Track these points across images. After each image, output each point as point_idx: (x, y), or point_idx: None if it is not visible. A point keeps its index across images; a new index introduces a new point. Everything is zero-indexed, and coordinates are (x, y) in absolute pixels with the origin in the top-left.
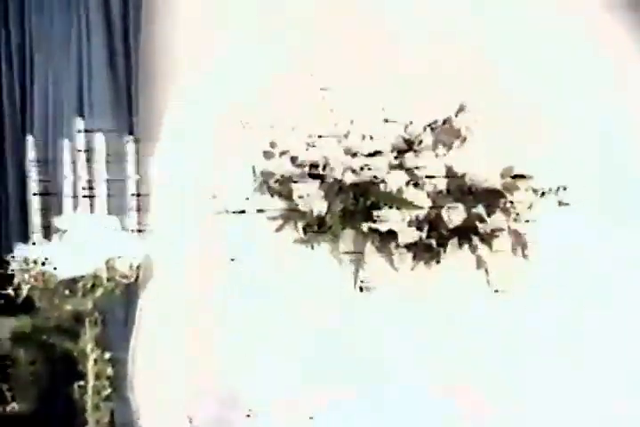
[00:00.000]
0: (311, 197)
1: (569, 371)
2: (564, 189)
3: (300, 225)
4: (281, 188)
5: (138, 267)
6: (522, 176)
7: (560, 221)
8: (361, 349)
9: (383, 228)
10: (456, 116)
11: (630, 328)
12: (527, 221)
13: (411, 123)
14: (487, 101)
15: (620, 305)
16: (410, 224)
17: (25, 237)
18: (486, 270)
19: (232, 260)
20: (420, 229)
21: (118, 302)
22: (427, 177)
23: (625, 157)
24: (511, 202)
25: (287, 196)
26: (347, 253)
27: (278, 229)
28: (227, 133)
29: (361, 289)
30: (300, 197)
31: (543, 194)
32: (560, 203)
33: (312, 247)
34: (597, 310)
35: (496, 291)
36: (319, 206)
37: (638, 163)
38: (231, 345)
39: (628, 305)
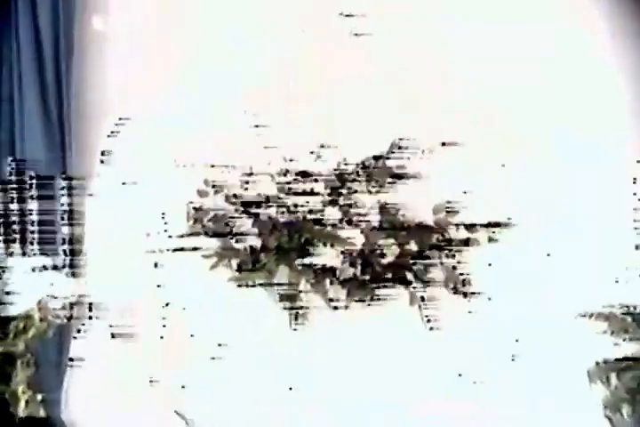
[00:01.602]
0: (246, 235)
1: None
2: (496, 225)
3: (235, 263)
4: (215, 226)
5: (71, 307)
6: (454, 212)
7: (491, 256)
8: (296, 384)
9: (318, 265)
10: (388, 153)
11: (562, 362)
12: (458, 256)
13: (344, 160)
14: (420, 140)
15: (551, 337)
16: (344, 261)
17: None
18: (419, 306)
19: (167, 304)
20: (353, 265)
21: (51, 342)
22: (360, 214)
23: (556, 195)
24: (443, 238)
25: (221, 233)
26: (281, 290)
27: (213, 267)
28: (160, 171)
29: (296, 325)
30: (235, 234)
31: (474, 230)
32: (490, 239)
33: (247, 285)
34: (530, 345)
35: (430, 328)
36: (253, 244)
37: (568, 198)
38: (169, 380)
39: (559, 337)
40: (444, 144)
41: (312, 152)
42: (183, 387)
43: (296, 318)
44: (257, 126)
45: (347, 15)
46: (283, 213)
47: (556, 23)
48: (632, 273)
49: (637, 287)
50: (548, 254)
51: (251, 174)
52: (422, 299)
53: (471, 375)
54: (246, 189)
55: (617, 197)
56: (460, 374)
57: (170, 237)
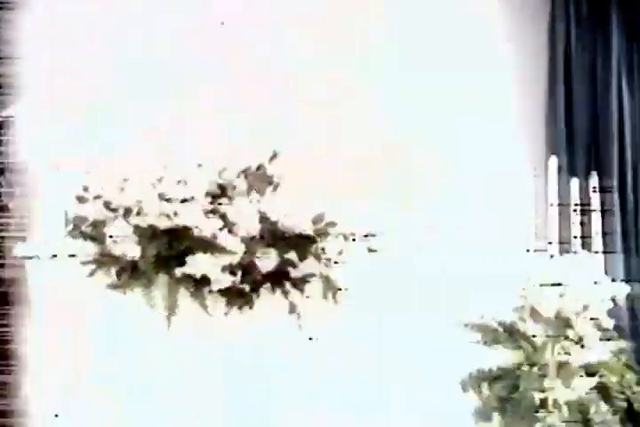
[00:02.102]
0: (125, 242)
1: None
2: (373, 235)
3: (114, 270)
4: (94, 232)
5: None
6: (332, 223)
7: (370, 267)
8: (171, 394)
9: (197, 273)
10: (269, 162)
11: (432, 374)
12: (337, 266)
13: (224, 169)
14: (300, 149)
15: (427, 347)
16: (223, 270)
17: None
18: (298, 315)
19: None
20: (233, 274)
21: None
22: (240, 223)
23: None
24: (322, 248)
25: (100, 240)
26: (160, 297)
27: (91, 274)
28: (38, 177)
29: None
30: (114, 241)
31: (354, 240)
32: (370, 249)
33: (125, 292)
34: (405, 354)
35: (310, 338)
36: (133, 251)
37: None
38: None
39: (435, 347)
40: (324, 155)
41: (193, 159)
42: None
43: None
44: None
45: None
46: (162, 220)
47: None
48: (503, 285)
49: (508, 299)
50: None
51: (130, 181)
52: (300, 308)
53: (346, 384)
54: (126, 196)
55: (488, 211)
56: (335, 383)
57: (47, 243)
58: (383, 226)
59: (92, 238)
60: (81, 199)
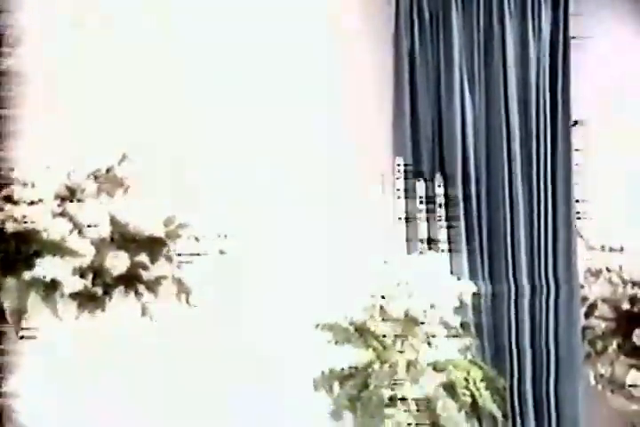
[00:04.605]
0: None
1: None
2: (225, 236)
3: None
4: None
5: None
6: (184, 225)
7: (220, 268)
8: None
9: (47, 277)
10: (119, 164)
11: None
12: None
13: (73, 171)
14: (153, 150)
15: (281, 347)
16: (74, 273)
17: None
18: (151, 318)
19: None
20: (84, 277)
21: None
22: (90, 225)
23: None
24: (174, 250)
25: None
26: (8, 302)
27: None
28: None
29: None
30: None
31: (204, 242)
32: (221, 251)
33: None
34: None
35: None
36: None
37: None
38: None
39: (289, 347)
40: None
41: (40, 161)
42: None
43: (24, 330)
44: None
45: None
46: (6, 222)
47: None
48: (353, 285)
49: (358, 298)
50: (275, 266)
51: None
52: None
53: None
54: None
55: (342, 211)
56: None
57: None
58: (234, 228)
59: None
60: None
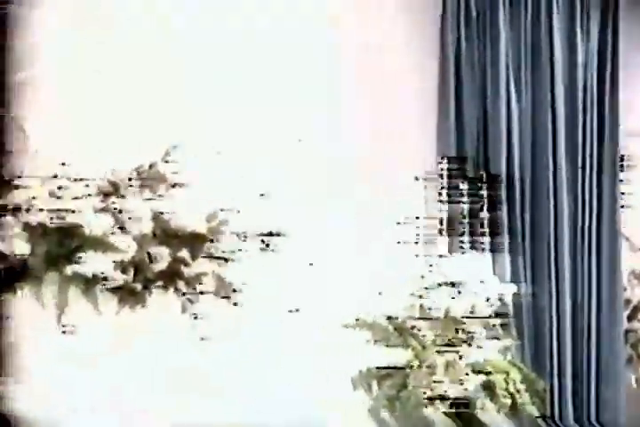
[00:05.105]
0: (14, 240)
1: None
2: (267, 234)
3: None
4: None
5: None
6: (225, 221)
7: (263, 264)
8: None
9: (88, 271)
10: (162, 161)
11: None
12: (229, 264)
13: (117, 166)
14: (194, 148)
15: (318, 346)
16: (115, 268)
17: None
18: (191, 315)
19: None
20: (125, 272)
21: None
22: (132, 221)
23: (324, 205)
24: (215, 246)
25: None
26: (51, 296)
27: None
28: None
29: (64, 332)
30: (3, 239)
31: (246, 239)
32: (261, 248)
33: (14, 291)
34: (296, 353)
35: (202, 339)
36: (22, 249)
37: (336, 209)
38: None
39: (326, 346)
40: (218, 153)
41: (86, 157)
42: None
43: (63, 325)
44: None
45: None
46: (52, 218)
47: None
48: (393, 284)
49: (398, 298)
50: (311, 264)
51: (20, 178)
52: (193, 306)
53: (244, 383)
54: (16, 193)
55: (385, 212)
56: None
57: None
58: (277, 225)
59: None
60: None
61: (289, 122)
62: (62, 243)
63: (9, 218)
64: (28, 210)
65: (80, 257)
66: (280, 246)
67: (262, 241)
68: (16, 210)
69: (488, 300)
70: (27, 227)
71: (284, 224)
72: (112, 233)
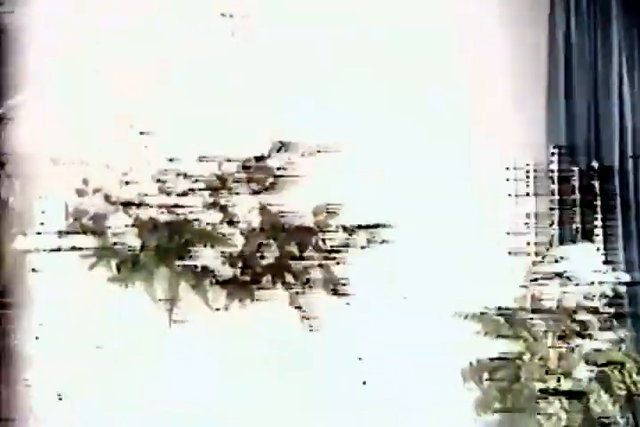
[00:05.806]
0: (125, 235)
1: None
2: (375, 226)
3: (114, 263)
4: (94, 225)
5: None
6: (333, 214)
7: (370, 258)
8: (174, 384)
9: (197, 265)
10: (269, 154)
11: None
12: (337, 257)
13: (228, 161)
14: (301, 142)
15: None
16: (223, 262)
17: None
18: (299, 307)
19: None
20: (233, 266)
21: None
22: (240, 215)
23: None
24: (323, 239)
25: (100, 233)
26: (161, 290)
27: (92, 267)
28: (38, 170)
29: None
30: (114, 234)
31: (353, 232)
32: (369, 240)
33: (126, 286)
34: (405, 345)
35: (310, 329)
36: (133, 244)
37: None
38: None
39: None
40: (324, 147)
41: (194, 152)
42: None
43: (174, 319)
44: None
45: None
46: (162, 213)
47: None
48: (504, 275)
49: (509, 289)
50: (423, 256)
51: (131, 174)
52: (301, 300)
53: (353, 376)
54: (126, 189)
55: (492, 202)
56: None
57: (48, 237)
58: (385, 217)
59: (93, 232)
60: (81, 192)
61: (396, 116)
62: (172, 237)
63: (120, 213)
64: (138, 205)
65: (189, 251)
66: (388, 240)
67: (370, 233)
68: (127, 205)
69: (601, 290)
70: (137, 222)
71: (393, 217)
72: (220, 227)
